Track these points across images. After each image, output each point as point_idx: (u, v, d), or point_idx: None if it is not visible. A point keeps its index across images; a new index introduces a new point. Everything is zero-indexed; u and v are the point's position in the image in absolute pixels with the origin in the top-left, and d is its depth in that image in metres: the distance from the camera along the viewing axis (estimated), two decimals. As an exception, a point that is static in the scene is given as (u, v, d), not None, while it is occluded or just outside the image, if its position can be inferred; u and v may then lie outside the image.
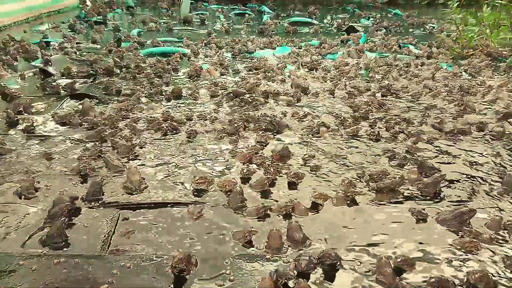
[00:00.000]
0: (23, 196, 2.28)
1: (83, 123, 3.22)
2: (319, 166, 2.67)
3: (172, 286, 1.69)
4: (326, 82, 4.45)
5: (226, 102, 3.79)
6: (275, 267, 1.77)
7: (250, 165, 2.67)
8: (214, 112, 3.56)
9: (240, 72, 4.79)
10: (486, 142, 3.11)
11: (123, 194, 2.33)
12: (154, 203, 2.25)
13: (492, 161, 2.82)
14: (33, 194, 2.30)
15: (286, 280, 1.64)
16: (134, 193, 2.33)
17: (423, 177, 2.52)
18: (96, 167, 2.58)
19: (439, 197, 2.37)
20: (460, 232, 2.05)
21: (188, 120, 3.35)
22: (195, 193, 2.34)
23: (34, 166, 2.62)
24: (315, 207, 2.25)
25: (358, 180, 2.51)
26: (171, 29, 7.57)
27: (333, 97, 4.00)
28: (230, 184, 2.38)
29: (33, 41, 5.98)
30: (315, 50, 5.83)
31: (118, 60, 4.98)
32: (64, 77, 4.48)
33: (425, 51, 5.86)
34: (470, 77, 4.70)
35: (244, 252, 1.89)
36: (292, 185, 2.46)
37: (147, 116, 3.39)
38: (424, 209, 2.21)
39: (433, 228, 2.10)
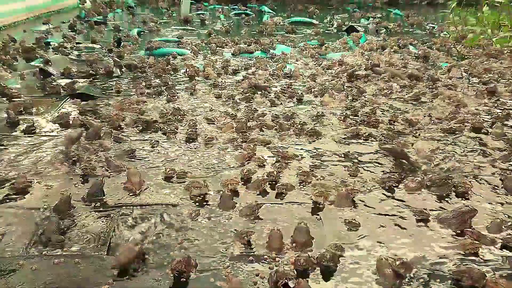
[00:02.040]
0: (18, 193, 2.31)
1: (83, 123, 3.21)
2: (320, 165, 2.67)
3: (171, 287, 1.69)
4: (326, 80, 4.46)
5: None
6: (275, 267, 1.77)
7: (249, 164, 2.68)
8: (214, 111, 3.55)
9: (239, 72, 4.79)
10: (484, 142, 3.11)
11: (123, 195, 2.33)
12: (154, 204, 2.26)
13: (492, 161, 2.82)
14: (26, 191, 2.32)
15: (286, 281, 1.64)
16: (134, 194, 2.33)
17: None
18: (96, 167, 2.58)
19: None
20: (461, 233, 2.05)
21: (188, 120, 3.35)
22: (194, 194, 2.33)
23: (34, 166, 2.62)
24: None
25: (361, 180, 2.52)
26: (171, 29, 7.56)
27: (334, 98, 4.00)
28: (233, 183, 2.38)
29: (33, 41, 5.97)
30: (314, 50, 5.83)
31: (118, 60, 4.98)
32: (63, 77, 4.48)
33: (424, 51, 5.85)
34: (471, 77, 4.70)
35: (244, 252, 1.89)
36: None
37: (147, 116, 3.39)
38: (425, 209, 2.21)
39: (434, 228, 2.10)
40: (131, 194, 2.33)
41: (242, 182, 2.46)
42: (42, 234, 1.95)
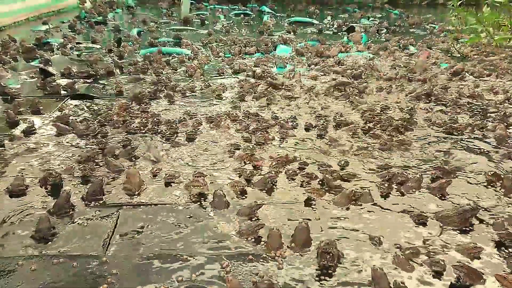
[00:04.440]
0: (14, 193, 2.31)
1: (84, 124, 3.21)
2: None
3: (171, 285, 1.69)
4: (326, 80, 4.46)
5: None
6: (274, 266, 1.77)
7: (247, 165, 2.68)
8: (214, 112, 3.56)
9: (239, 72, 4.79)
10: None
11: (123, 195, 2.33)
12: (154, 204, 2.26)
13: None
14: (23, 191, 2.33)
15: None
16: (133, 194, 2.33)
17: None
18: (96, 167, 2.58)
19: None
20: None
21: (189, 120, 3.35)
22: (193, 195, 2.33)
23: (34, 166, 2.62)
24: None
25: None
26: (171, 29, 7.56)
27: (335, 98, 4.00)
28: (239, 186, 2.39)
29: (32, 41, 5.97)
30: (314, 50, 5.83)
31: (118, 61, 4.97)
32: (64, 77, 4.47)
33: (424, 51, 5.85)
34: (472, 77, 4.70)
35: (243, 251, 1.90)
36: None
37: (147, 117, 3.39)
38: (423, 212, 2.20)
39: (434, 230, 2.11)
40: (130, 194, 2.33)
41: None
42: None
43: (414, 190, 2.41)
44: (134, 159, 2.74)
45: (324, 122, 3.31)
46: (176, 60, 5.19)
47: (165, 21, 8.42)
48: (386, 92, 4.12)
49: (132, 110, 3.53)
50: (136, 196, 2.32)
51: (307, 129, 3.25)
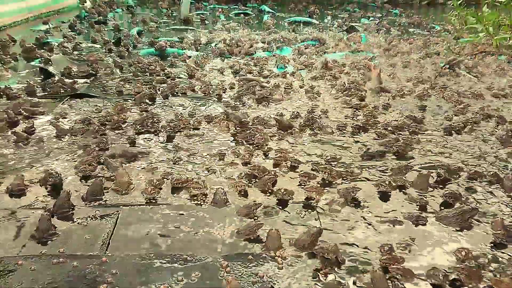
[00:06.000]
0: (14, 193, 2.31)
1: (83, 124, 3.21)
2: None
3: (170, 286, 1.69)
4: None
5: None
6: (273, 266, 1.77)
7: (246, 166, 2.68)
8: (213, 112, 3.56)
9: (239, 72, 4.79)
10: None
11: (122, 195, 2.33)
12: (153, 204, 2.26)
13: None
14: (23, 191, 2.32)
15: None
16: (121, 194, 2.33)
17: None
18: (96, 167, 2.58)
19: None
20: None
21: (188, 120, 3.35)
22: (193, 195, 2.33)
23: (35, 166, 2.62)
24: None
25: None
26: (171, 29, 7.56)
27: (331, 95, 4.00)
28: (241, 185, 2.40)
29: (32, 41, 5.97)
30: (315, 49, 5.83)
31: (118, 61, 4.97)
32: (64, 77, 4.47)
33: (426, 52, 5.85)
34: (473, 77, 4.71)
35: (242, 251, 1.90)
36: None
37: (147, 116, 3.39)
38: (421, 213, 2.20)
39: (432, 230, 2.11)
40: (118, 194, 2.33)
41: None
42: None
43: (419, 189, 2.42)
44: (133, 160, 2.74)
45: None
46: (176, 60, 5.18)
47: (165, 21, 8.42)
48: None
49: (131, 110, 3.53)
50: (136, 196, 2.32)
51: (303, 129, 3.25)
